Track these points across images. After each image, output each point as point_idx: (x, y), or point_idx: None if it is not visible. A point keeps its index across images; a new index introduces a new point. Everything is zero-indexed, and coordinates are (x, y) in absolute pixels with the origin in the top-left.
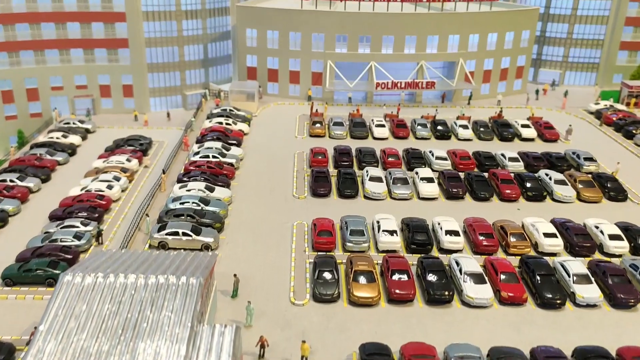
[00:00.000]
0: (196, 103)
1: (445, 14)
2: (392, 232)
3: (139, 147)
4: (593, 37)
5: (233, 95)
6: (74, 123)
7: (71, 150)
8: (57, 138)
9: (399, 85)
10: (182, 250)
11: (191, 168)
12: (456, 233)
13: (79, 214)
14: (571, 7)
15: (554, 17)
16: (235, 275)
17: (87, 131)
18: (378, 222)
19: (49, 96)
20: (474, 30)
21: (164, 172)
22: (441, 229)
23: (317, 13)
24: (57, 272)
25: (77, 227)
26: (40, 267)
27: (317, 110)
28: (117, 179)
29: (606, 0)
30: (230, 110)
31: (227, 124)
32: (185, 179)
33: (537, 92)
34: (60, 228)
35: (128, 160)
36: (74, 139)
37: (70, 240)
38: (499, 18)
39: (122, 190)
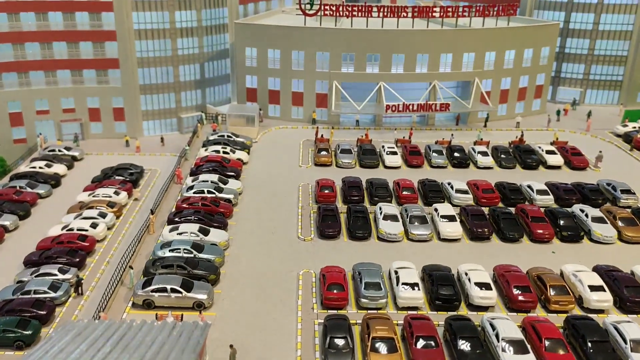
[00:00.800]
0: (192, 126)
1: (460, 30)
2: (413, 286)
3: (129, 177)
4: (616, 54)
5: (231, 119)
6: (59, 150)
7: (55, 181)
8: (40, 167)
9: (410, 107)
10: (168, 317)
11: (184, 206)
12: (487, 286)
13: (58, 259)
14: (592, 21)
15: (574, 32)
16: (231, 346)
17: (74, 159)
18: (396, 272)
19: (34, 121)
20: (490, 48)
21: (152, 213)
22: (469, 280)
23: (321, 30)
24: (28, 332)
25: (55, 274)
26: (8, 327)
27: (322, 135)
28: (103, 215)
29: (630, 14)
30: (228, 136)
31: (224, 152)
32: (176, 219)
33: (558, 112)
34: (35, 276)
35: (116, 193)
36: (59, 168)
37: (45, 292)
38: (516, 34)
39: (109, 228)
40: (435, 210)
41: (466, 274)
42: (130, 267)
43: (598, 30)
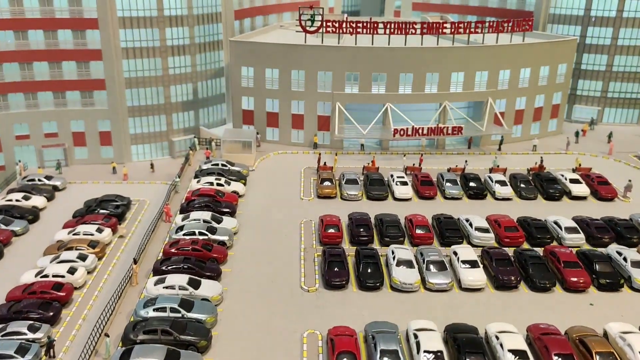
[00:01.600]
0: (184, 150)
1: (472, 47)
2: (436, 354)
3: (114, 210)
4: (635, 70)
5: (226, 145)
6: (39, 179)
7: (33, 215)
8: (17, 200)
9: (420, 131)
10: None
11: (172, 251)
12: (524, 355)
13: (29, 313)
14: (611, 36)
15: (591, 47)
16: None
17: (55, 189)
18: (416, 336)
19: (13, 146)
20: (504, 66)
21: (135, 262)
22: (502, 346)
23: (323, 49)
24: None
25: (24, 334)
26: None
27: (325, 163)
28: (83, 257)
29: None
30: (223, 165)
31: (218, 184)
32: (163, 268)
33: (577, 134)
34: (1, 336)
35: (99, 230)
36: (38, 200)
37: (12, 357)
38: (532, 51)
39: (89, 272)
40: (455, 253)
41: (497, 337)
42: (106, 335)
43: (616, 46)
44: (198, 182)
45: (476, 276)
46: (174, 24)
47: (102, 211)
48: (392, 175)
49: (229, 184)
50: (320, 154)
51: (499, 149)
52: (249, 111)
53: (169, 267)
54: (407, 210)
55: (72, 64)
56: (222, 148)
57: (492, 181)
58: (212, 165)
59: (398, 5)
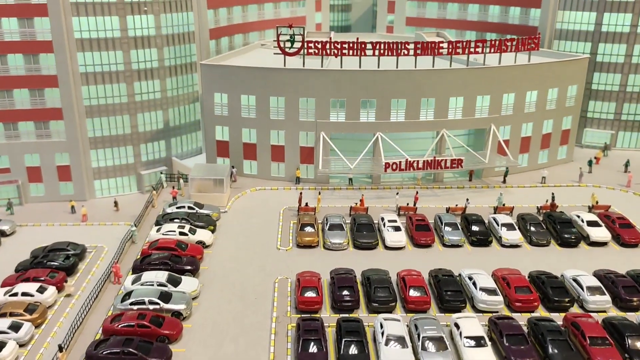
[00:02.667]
0: (160, 183)
1: (472, 69)
2: None
3: (64, 262)
4: None
5: (195, 183)
6: None
7: None
8: None
9: (415, 165)
10: None
11: (114, 327)
12: None
13: None
14: (624, 53)
15: (603, 65)
16: None
17: (2, 234)
18: None
19: None
20: (508, 89)
21: (60, 350)
22: None
23: (305, 72)
24: None
25: None
26: None
27: (307, 204)
28: (16, 327)
29: None
30: (190, 207)
31: (181, 233)
32: (99, 354)
33: (590, 162)
34: None
35: (40, 289)
36: None
37: None
38: (539, 72)
39: (21, 345)
40: (457, 326)
41: None
42: None
43: (631, 64)
44: (158, 230)
45: (483, 358)
46: (140, 45)
47: (49, 263)
48: (382, 219)
49: (194, 232)
50: (301, 192)
51: (504, 182)
52: (223, 142)
53: (105, 353)
54: (399, 262)
55: (24, 92)
56: (190, 187)
57: (497, 224)
58: (177, 208)
59: (391, 21)
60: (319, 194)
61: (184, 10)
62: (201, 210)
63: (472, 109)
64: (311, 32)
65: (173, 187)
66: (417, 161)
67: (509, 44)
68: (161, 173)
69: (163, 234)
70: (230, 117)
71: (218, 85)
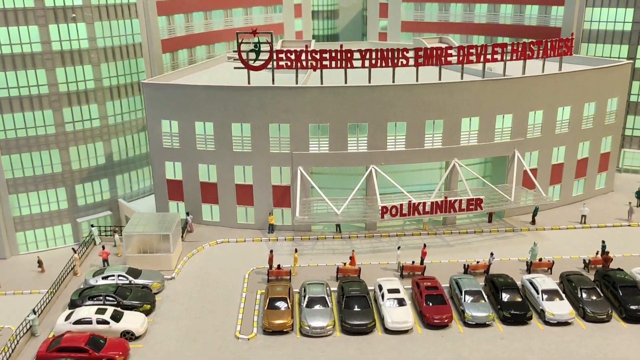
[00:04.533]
0: (87, 237)
1: (490, 82)
2: None
3: None
4: None
5: (133, 242)
6: None
7: None
8: None
9: (420, 208)
10: None
11: None
12: None
13: None
14: None
15: None
16: None
17: None
18: None
19: None
20: (536, 105)
21: None
22: None
23: (275, 91)
24: None
25: None
26: None
27: (279, 266)
28: None
29: None
30: (122, 277)
31: (101, 321)
32: None
33: (638, 194)
34: None
35: None
36: None
37: None
38: (574, 82)
39: None
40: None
41: None
42: None
43: None
44: (68, 318)
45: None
46: (69, 61)
47: None
48: (381, 287)
49: (118, 318)
50: (272, 252)
51: (533, 222)
52: (175, 182)
53: None
54: (406, 355)
55: None
56: (124, 247)
57: (537, 290)
58: (104, 278)
59: (384, 26)
60: (295, 251)
61: (126, 17)
62: (137, 280)
63: (491, 132)
64: (287, 40)
65: (103, 247)
66: (423, 204)
67: (534, 48)
68: (92, 226)
69: (74, 323)
70: (182, 151)
71: (166, 111)
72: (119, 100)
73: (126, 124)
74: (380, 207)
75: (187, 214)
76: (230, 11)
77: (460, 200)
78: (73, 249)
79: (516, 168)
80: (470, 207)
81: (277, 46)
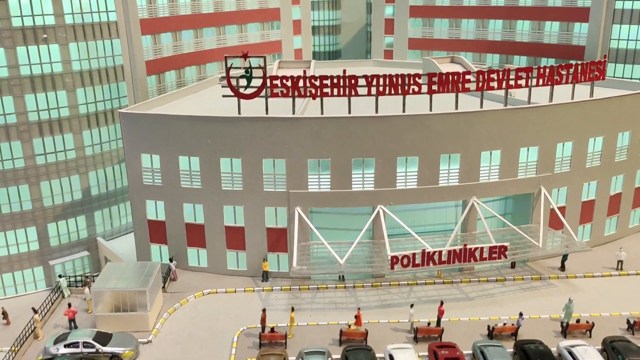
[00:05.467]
0: (67, 284)
1: (514, 110)
2: None
3: None
4: None
5: (103, 299)
6: None
7: None
8: None
9: (435, 258)
10: None
11: None
12: None
13: None
14: None
15: None
16: None
17: None
18: None
19: None
20: (564, 136)
21: None
22: None
23: (270, 122)
24: None
25: None
26: None
27: (272, 329)
28: None
29: None
30: (87, 344)
31: None
32: None
33: None
34: None
35: None
36: None
37: None
38: (607, 109)
39: None
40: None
41: None
42: None
43: None
44: None
45: None
46: (40, 87)
47: None
48: (391, 356)
49: None
50: (264, 311)
51: (562, 268)
52: (157, 223)
53: None
54: None
55: None
56: (94, 304)
57: None
58: (67, 346)
59: (389, 43)
60: (292, 310)
61: (105, 37)
62: (106, 348)
63: (514, 167)
64: (284, 61)
65: (69, 304)
66: (439, 252)
67: (563, 72)
68: (59, 276)
69: None
70: (165, 188)
71: (146, 143)
72: (97, 128)
73: (105, 155)
74: (389, 257)
75: (170, 260)
76: (223, 28)
77: (482, 249)
78: (33, 308)
79: (543, 206)
80: (494, 255)
81: (274, 67)
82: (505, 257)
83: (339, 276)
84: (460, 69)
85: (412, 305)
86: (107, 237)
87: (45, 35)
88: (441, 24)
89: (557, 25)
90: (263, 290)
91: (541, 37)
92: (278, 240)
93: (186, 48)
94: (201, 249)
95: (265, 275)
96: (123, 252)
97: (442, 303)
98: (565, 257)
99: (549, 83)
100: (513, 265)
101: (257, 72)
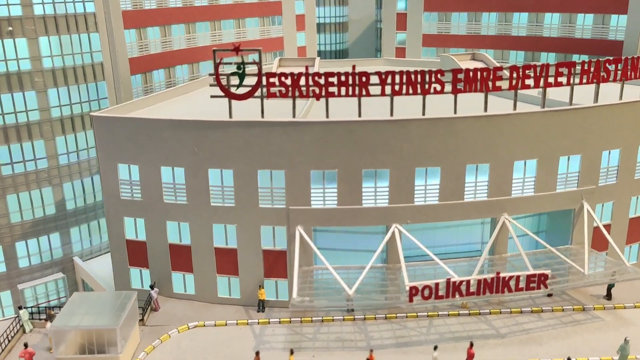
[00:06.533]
0: (29, 317)
1: (551, 113)
2: None
3: None
4: None
5: (65, 338)
6: None
7: None
8: None
9: (462, 289)
10: None
11: None
12: None
13: None
14: None
15: None
16: None
17: None
18: None
19: None
20: (611, 142)
21: None
22: None
23: (267, 127)
24: None
25: None
26: None
27: None
28: None
29: None
30: None
31: None
32: None
33: None
34: None
35: None
36: None
37: None
38: None
39: None
40: None
41: None
42: None
43: None
44: None
45: None
46: (5, 87)
47: None
48: None
49: None
50: (258, 354)
51: (608, 297)
52: (137, 243)
53: None
54: None
55: None
56: (54, 346)
57: None
58: None
59: (402, 41)
60: (291, 353)
61: (82, 31)
62: None
63: (552, 179)
64: (285, 59)
65: (25, 345)
66: (467, 282)
67: (611, 68)
68: (19, 308)
69: None
70: (146, 204)
71: (123, 152)
72: (72, 134)
73: (83, 164)
74: (407, 288)
75: (151, 286)
76: (219, 23)
77: (518, 277)
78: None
79: (587, 224)
80: (532, 285)
81: (274, 66)
82: (546, 287)
83: (347, 309)
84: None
85: (435, 348)
86: (85, 257)
87: (10, 28)
88: (459, 18)
89: (591, 17)
90: (258, 322)
91: (572, 32)
92: (276, 264)
93: (177, 44)
94: (188, 273)
95: (261, 305)
96: (102, 275)
97: (471, 345)
98: (611, 286)
99: (594, 80)
100: (550, 293)
101: (252, 69)
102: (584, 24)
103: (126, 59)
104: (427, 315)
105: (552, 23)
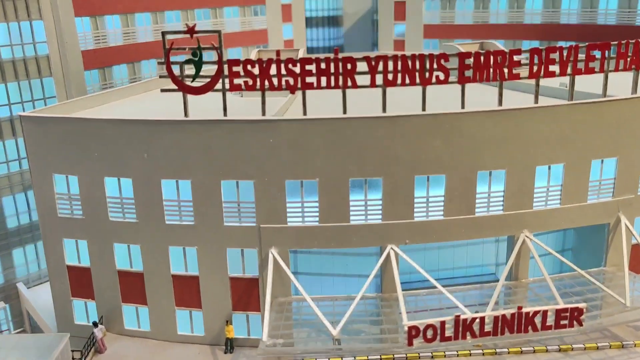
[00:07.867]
0: None
1: (581, 106)
2: None
3: None
4: None
5: None
6: None
7: None
8: None
9: (475, 328)
10: None
11: None
12: None
13: None
14: None
15: None
16: None
17: None
18: None
19: None
20: None
21: None
22: None
23: (232, 126)
24: None
25: None
26: None
27: None
28: None
29: None
30: None
31: None
32: None
33: None
34: None
35: None
36: None
37: None
38: None
39: None
40: None
41: None
42: None
43: None
44: None
45: None
46: None
47: None
48: None
49: None
50: None
51: None
52: (80, 269)
53: None
54: None
55: None
56: None
57: None
58: None
59: (400, 32)
60: None
61: (22, 18)
62: None
63: (583, 187)
64: (266, 50)
65: None
66: (481, 320)
67: None
68: None
69: None
70: (88, 222)
71: (60, 159)
72: (13, 139)
73: (26, 175)
74: (406, 328)
75: (95, 324)
76: (192, 13)
77: (546, 313)
78: None
79: (625, 242)
80: (562, 322)
81: (252, 58)
82: (580, 324)
83: (334, 339)
84: None
85: None
86: (32, 283)
87: None
88: (465, 5)
89: (616, 1)
90: None
91: (594, 18)
92: (246, 294)
93: (142, 36)
94: (141, 306)
95: (230, 344)
96: (48, 306)
97: None
98: None
99: (633, 66)
100: (581, 322)
101: (210, 57)
102: (607, 9)
103: (78, 52)
104: (432, 356)
105: (570, 8)
